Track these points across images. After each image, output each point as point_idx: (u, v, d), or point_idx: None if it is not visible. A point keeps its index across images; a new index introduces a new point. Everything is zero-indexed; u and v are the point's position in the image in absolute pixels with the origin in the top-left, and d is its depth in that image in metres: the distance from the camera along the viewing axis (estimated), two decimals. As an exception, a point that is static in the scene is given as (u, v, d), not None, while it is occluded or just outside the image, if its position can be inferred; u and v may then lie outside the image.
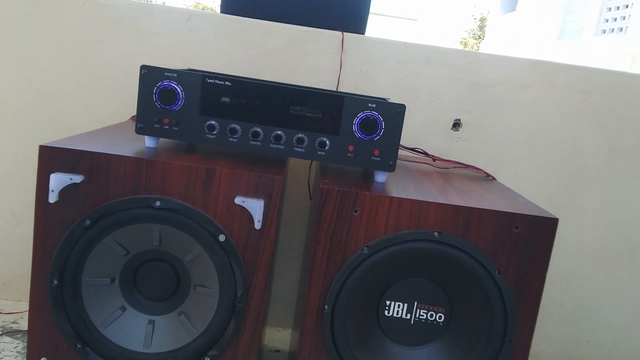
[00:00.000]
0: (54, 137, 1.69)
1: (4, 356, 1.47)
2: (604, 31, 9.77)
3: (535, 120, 1.78)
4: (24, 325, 1.63)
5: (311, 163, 1.74)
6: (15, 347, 1.52)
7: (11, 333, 1.59)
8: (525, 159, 1.79)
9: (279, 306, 1.85)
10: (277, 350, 1.71)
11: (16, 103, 1.69)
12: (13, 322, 1.65)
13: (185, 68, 1.61)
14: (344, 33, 1.70)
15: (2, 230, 1.75)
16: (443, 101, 1.76)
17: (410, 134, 1.75)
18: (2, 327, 1.61)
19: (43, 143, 1.08)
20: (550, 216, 1.10)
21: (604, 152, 1.80)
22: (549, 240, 1.09)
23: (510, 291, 1.09)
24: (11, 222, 1.74)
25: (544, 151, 1.79)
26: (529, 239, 1.09)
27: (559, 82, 1.76)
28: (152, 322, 1.14)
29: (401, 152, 1.56)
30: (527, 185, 1.80)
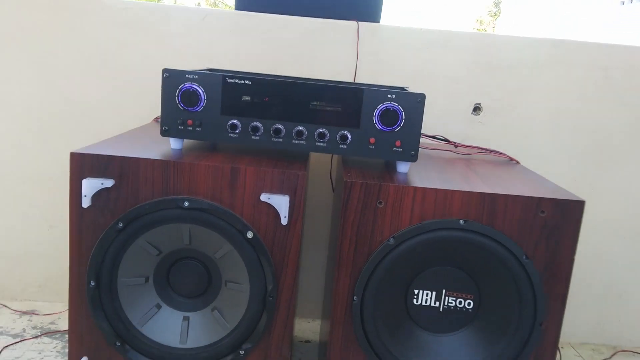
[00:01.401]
0: (81, 141, 1.73)
1: (45, 356, 1.52)
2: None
3: (557, 100, 1.76)
4: (61, 325, 1.68)
5: (332, 156, 1.75)
6: (55, 347, 1.57)
7: (50, 334, 1.64)
8: (549, 140, 1.78)
9: (307, 298, 1.87)
10: (308, 341, 1.74)
11: (42, 110, 1.73)
12: (51, 323, 1.70)
13: (205, 67, 1.63)
14: (359, 22, 1.70)
15: (36, 234, 1.80)
16: (462, 86, 1.75)
17: (431, 121, 1.75)
18: (41, 328, 1.67)
19: (73, 150, 1.11)
20: (577, 199, 1.09)
21: (628, 128, 1.77)
22: (576, 223, 1.09)
23: (539, 275, 1.10)
24: (44, 226, 1.79)
25: (567, 131, 1.78)
26: (555, 223, 1.09)
27: (579, 60, 1.74)
28: (186, 319, 1.17)
29: (422, 140, 1.57)
30: (551, 166, 1.79)
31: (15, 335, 1.61)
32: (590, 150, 1.79)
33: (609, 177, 1.80)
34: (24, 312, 1.75)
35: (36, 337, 1.61)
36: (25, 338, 1.60)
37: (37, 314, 1.75)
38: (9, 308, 1.77)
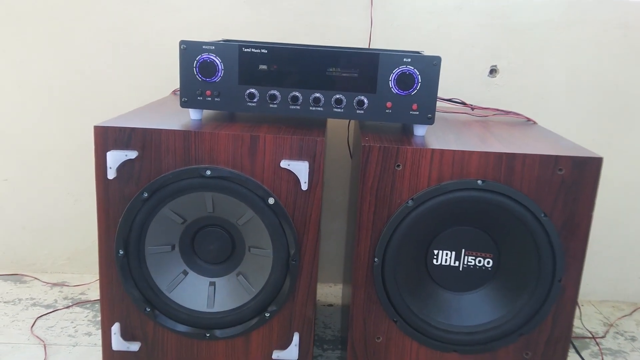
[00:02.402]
0: (101, 115, 1.76)
1: (77, 325, 1.58)
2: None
3: (574, 60, 1.74)
4: (91, 295, 1.74)
5: (349, 122, 1.76)
6: (86, 316, 1.63)
7: (81, 303, 1.70)
8: (566, 100, 1.77)
9: (329, 263, 1.91)
10: (330, 305, 1.78)
11: (62, 86, 1.76)
12: (81, 294, 1.76)
13: (220, 39, 1.64)
14: (373, -12, 1.69)
15: (61, 209, 1.85)
16: (478, 48, 1.74)
17: (447, 85, 1.75)
18: (72, 298, 1.73)
19: (94, 123, 1.14)
20: (594, 155, 1.10)
21: (647, 87, 1.75)
22: (594, 180, 1.10)
23: (557, 233, 1.11)
24: (69, 200, 1.84)
25: (584, 91, 1.76)
26: (573, 180, 1.10)
27: (597, 19, 1.71)
28: (212, 284, 1.21)
29: (439, 103, 1.56)
30: (569, 126, 1.78)
31: (47, 306, 1.67)
32: (609, 110, 1.77)
33: (628, 136, 1.79)
34: (55, 284, 1.82)
35: (68, 307, 1.67)
36: (58, 308, 1.66)
37: (68, 285, 1.81)
38: (40, 280, 1.83)
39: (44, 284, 1.82)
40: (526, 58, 1.74)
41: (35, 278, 1.85)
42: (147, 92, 1.75)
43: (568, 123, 1.78)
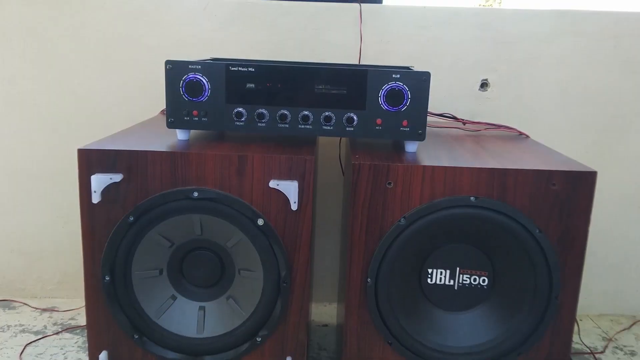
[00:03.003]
0: (89, 136, 1.74)
1: (67, 351, 1.54)
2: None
3: (565, 71, 1.73)
4: (81, 321, 1.71)
5: (340, 139, 1.74)
6: (76, 342, 1.59)
7: (71, 329, 1.66)
8: (558, 112, 1.76)
9: (323, 282, 1.88)
10: (325, 325, 1.75)
11: (49, 106, 1.74)
12: (71, 319, 1.72)
13: (209, 57, 1.62)
14: (361, 4, 1.68)
15: (50, 232, 1.82)
16: (468, 62, 1.73)
17: (438, 99, 1.73)
18: (62, 324, 1.69)
19: (80, 146, 1.11)
20: (588, 170, 1.08)
21: (639, 97, 1.74)
22: (588, 194, 1.08)
23: (553, 248, 1.09)
24: (58, 222, 1.81)
25: (576, 103, 1.75)
26: (567, 195, 1.08)
27: (587, 30, 1.71)
28: (202, 308, 1.18)
29: (430, 118, 1.55)
30: (561, 139, 1.76)
31: (37, 332, 1.64)
32: (601, 121, 1.76)
33: (621, 147, 1.77)
34: (44, 309, 1.78)
35: (57, 333, 1.64)
36: (47, 335, 1.63)
37: (57, 311, 1.77)
38: (29, 306, 1.80)
39: (33, 309, 1.78)
40: (517, 71, 1.73)
41: (25, 303, 1.81)
42: (137, 110, 1.73)
43: (560, 135, 1.77)
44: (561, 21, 1.70)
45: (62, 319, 1.73)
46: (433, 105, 1.73)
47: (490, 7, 1.83)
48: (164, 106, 1.66)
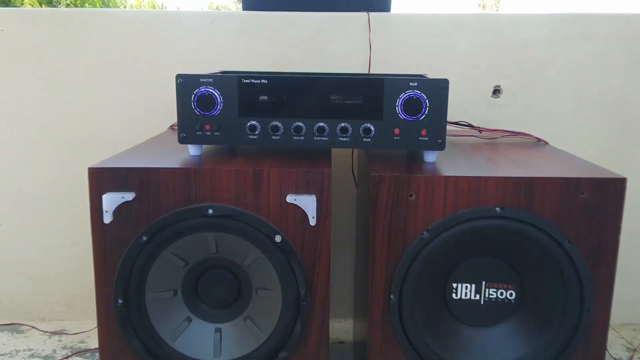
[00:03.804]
0: (98, 155, 1.69)
1: (77, 376, 1.50)
2: None
3: (579, 76, 1.70)
4: (91, 344, 1.66)
5: (353, 150, 1.71)
6: (87, 366, 1.55)
7: (80, 353, 1.62)
8: (573, 118, 1.72)
9: (338, 297, 1.83)
10: (342, 342, 1.70)
11: (57, 127, 1.71)
12: (80, 342, 1.68)
13: (218, 71, 1.60)
14: (370, 13, 1.65)
15: (58, 253, 1.78)
16: (480, 69, 1.70)
17: (451, 107, 1.68)
18: (71, 347, 1.65)
19: (91, 165, 1.08)
20: (617, 176, 1.04)
21: (656, 100, 1.71)
22: (618, 202, 1.04)
23: (583, 260, 1.05)
24: (66, 243, 1.77)
25: (592, 107, 1.72)
26: (597, 203, 1.04)
27: (600, 34, 1.68)
28: (219, 330, 1.14)
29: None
30: (579, 144, 1.72)
31: (46, 357, 1.59)
32: (618, 125, 1.72)
33: (638, 151, 1.73)
34: (53, 333, 1.74)
35: (67, 357, 1.59)
36: (57, 359, 1.58)
37: (67, 334, 1.73)
38: (37, 329, 1.75)
39: (42, 332, 1.74)
40: (529, 76, 1.70)
41: (33, 327, 1.77)
42: (145, 127, 1.70)
43: (577, 140, 1.73)
44: (572, 25, 1.67)
45: (71, 342, 1.68)
46: (446, 114, 1.70)
47: (497, 12, 1.79)
48: (171, 122, 1.64)
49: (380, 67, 1.69)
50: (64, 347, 1.65)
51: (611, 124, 1.72)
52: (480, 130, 1.49)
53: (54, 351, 1.63)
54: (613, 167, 1.71)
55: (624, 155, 1.74)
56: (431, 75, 1.67)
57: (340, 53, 1.68)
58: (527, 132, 1.51)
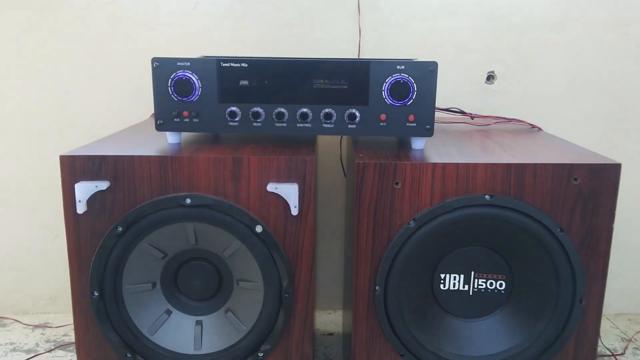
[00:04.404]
0: (75, 143, 1.65)
1: (60, 369, 1.47)
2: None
3: (575, 61, 1.65)
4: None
5: (341, 137, 1.66)
6: (70, 360, 1.51)
7: (64, 346, 1.58)
8: (568, 104, 1.68)
9: (326, 288, 1.80)
10: (330, 334, 1.67)
11: (35, 115, 1.66)
12: (64, 335, 1.64)
13: (200, 55, 1.55)
14: (359, -4, 1.61)
15: (40, 246, 1.74)
16: (473, 54, 1.65)
17: (443, 93, 1.65)
18: (54, 341, 1.61)
19: (63, 152, 1.03)
20: (612, 162, 1.00)
21: (653, 85, 1.67)
22: (613, 189, 1.00)
23: (576, 249, 1.01)
24: (48, 236, 1.73)
25: (587, 93, 1.67)
26: (591, 190, 1.00)
27: (596, 18, 1.63)
28: (199, 323, 1.10)
29: (436, 114, 1.48)
30: (572, 131, 1.68)
31: (28, 351, 1.55)
32: (614, 111, 1.68)
33: (635, 138, 1.69)
34: (36, 326, 1.70)
35: (50, 351, 1.55)
36: (39, 353, 1.54)
37: (50, 327, 1.69)
38: (20, 323, 1.71)
39: (25, 326, 1.70)
40: (524, 62, 1.65)
41: (16, 320, 1.73)
42: (128, 115, 1.65)
43: (572, 127, 1.68)
44: (569, 8, 1.63)
45: (55, 335, 1.64)
46: (437, 101, 1.65)
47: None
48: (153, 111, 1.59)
49: (370, 53, 1.64)
50: (47, 341, 1.61)
51: (607, 110, 1.68)
52: (472, 116, 1.44)
53: (37, 344, 1.59)
54: (608, 154, 1.68)
55: (619, 141, 1.70)
56: (423, 59, 1.63)
57: (330, 38, 1.63)
58: (520, 118, 1.47)
